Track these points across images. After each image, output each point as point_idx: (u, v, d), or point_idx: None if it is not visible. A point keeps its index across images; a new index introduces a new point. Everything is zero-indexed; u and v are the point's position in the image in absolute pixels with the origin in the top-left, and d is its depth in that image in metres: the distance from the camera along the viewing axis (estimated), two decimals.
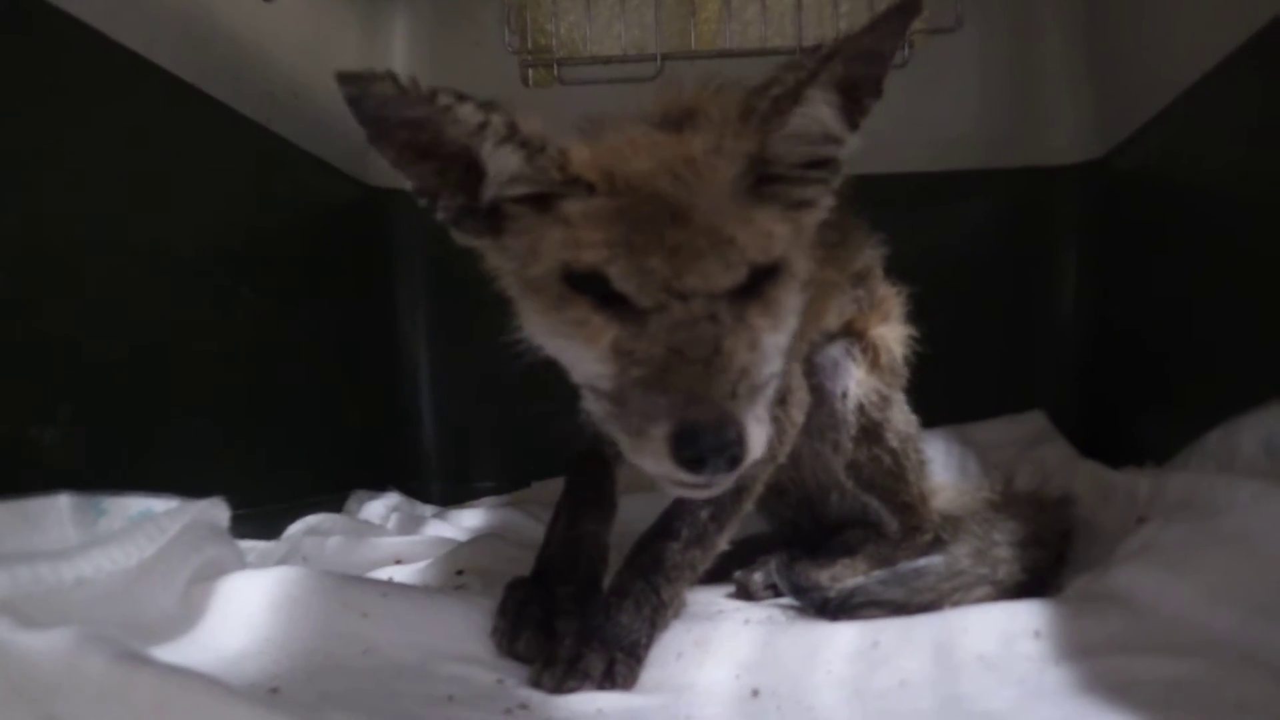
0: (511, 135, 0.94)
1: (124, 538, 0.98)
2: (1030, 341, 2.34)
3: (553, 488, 2.10)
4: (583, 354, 0.96)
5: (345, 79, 0.90)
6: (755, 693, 0.98)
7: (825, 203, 1.05)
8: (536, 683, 0.98)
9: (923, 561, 1.28)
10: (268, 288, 1.83)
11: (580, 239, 0.94)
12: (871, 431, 1.42)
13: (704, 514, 1.18)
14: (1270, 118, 1.42)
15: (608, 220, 0.94)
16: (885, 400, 1.43)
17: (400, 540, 1.69)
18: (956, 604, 1.21)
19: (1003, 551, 1.31)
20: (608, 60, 2.37)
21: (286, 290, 1.92)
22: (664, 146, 0.98)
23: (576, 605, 1.11)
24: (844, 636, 1.08)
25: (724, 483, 0.90)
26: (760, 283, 0.96)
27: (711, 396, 0.86)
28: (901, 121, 2.33)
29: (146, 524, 1.02)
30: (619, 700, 0.96)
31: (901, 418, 1.46)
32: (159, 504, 1.14)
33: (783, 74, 0.97)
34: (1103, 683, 0.89)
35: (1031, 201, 2.34)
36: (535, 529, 1.79)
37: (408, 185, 1.00)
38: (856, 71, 0.97)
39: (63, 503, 1.07)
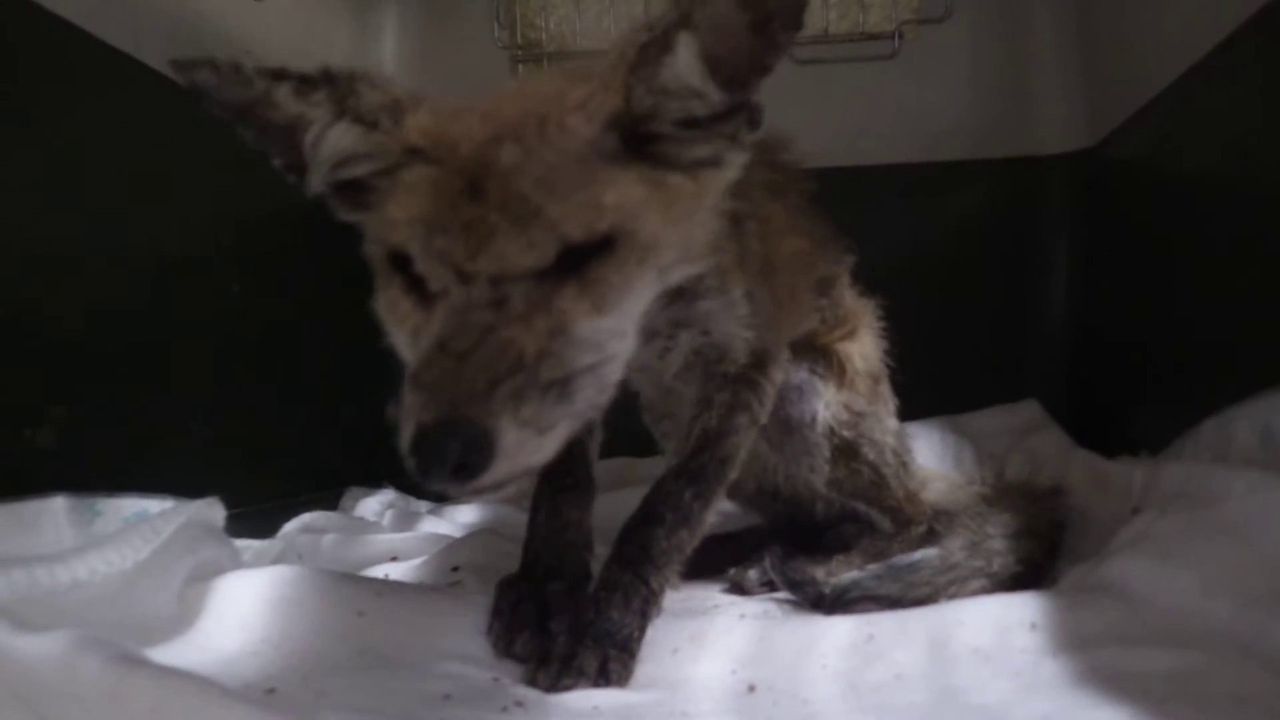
0: (342, 112, 0.91)
1: (119, 540, 0.98)
2: (1022, 331, 2.34)
3: None
4: (397, 340, 0.91)
5: (178, 67, 0.91)
6: (751, 688, 0.98)
7: (735, 160, 0.95)
8: (532, 681, 0.98)
9: (917, 555, 1.28)
10: (262, 286, 1.82)
11: (394, 216, 0.88)
12: (846, 450, 1.40)
13: (687, 494, 1.13)
14: (1262, 105, 1.42)
15: (420, 194, 0.87)
16: (858, 416, 1.40)
17: (395, 537, 1.68)
18: (952, 597, 1.21)
19: (997, 544, 1.30)
20: (598, 55, 2.36)
21: (281, 288, 1.91)
22: (522, 105, 0.90)
23: (568, 602, 1.08)
24: (839, 630, 1.08)
25: (466, 490, 0.79)
26: (584, 261, 0.85)
27: (453, 396, 0.76)
28: (891, 112, 2.34)
29: (141, 525, 1.02)
30: (615, 697, 0.96)
31: (878, 428, 1.42)
32: (154, 504, 1.14)
33: (655, 21, 0.89)
34: (1099, 675, 0.89)
35: (1022, 191, 2.34)
36: None
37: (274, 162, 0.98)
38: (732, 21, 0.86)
39: (58, 505, 1.07)
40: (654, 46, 0.88)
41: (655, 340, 1.12)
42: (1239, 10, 1.44)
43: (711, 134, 0.92)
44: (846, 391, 1.40)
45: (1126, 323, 2.00)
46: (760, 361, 1.20)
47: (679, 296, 1.04)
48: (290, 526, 1.69)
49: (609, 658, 1.00)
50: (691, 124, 0.91)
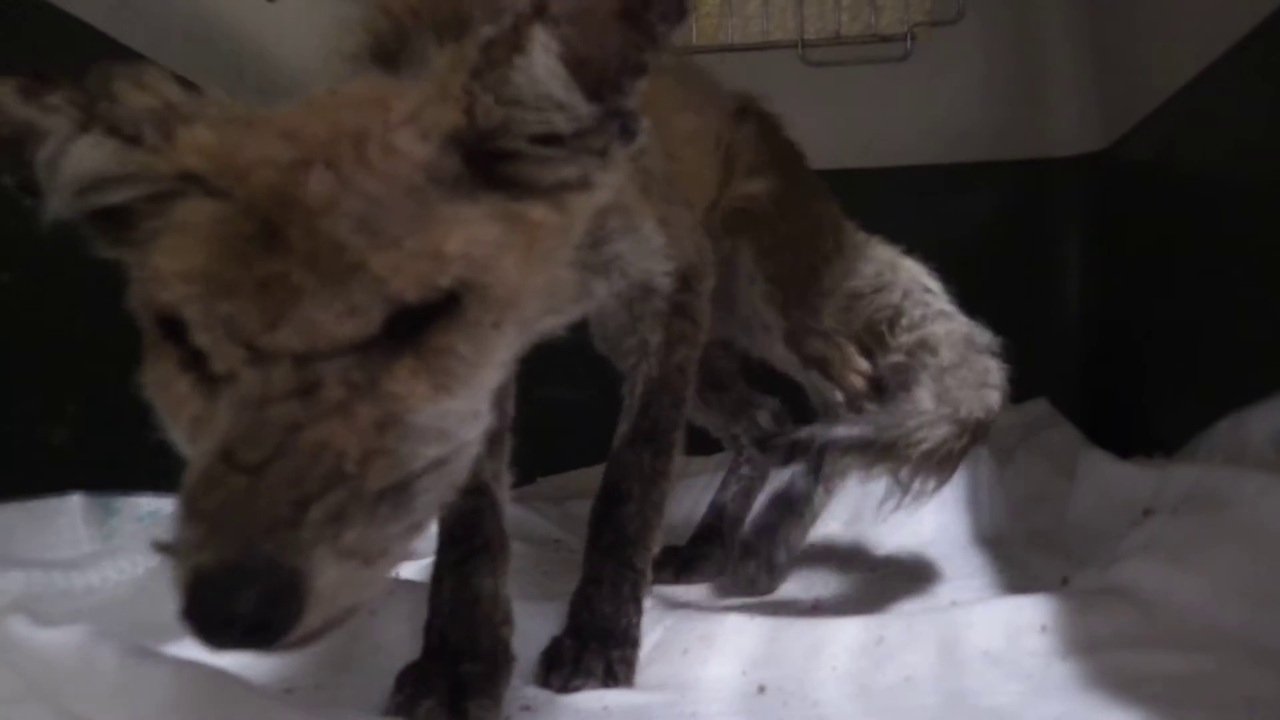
0: (90, 121, 0.68)
1: (130, 548, 0.99)
2: (1035, 332, 2.33)
3: (558, 482, 2.12)
4: (174, 434, 0.67)
5: None
6: (761, 688, 0.98)
7: (606, 180, 0.76)
8: (545, 683, 0.98)
9: (889, 406, 1.32)
10: None
11: (162, 267, 0.65)
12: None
13: (647, 459, 1.06)
14: (1276, 107, 1.42)
15: (197, 239, 0.64)
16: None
17: None
18: (921, 442, 1.24)
19: (961, 393, 1.34)
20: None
21: None
22: (335, 118, 0.69)
23: (488, 685, 0.90)
24: (849, 632, 1.08)
25: (267, 653, 0.59)
26: (421, 326, 0.64)
27: (245, 527, 0.55)
28: (903, 114, 2.34)
29: (153, 529, 1.02)
30: (625, 697, 0.96)
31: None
32: (168, 504, 1.15)
33: (503, 16, 0.69)
34: (1109, 678, 0.89)
35: (1035, 193, 2.33)
36: (540, 525, 1.79)
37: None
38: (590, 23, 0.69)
39: (74, 503, 1.08)
40: (501, 45, 0.69)
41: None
42: (1251, 14, 1.44)
43: (577, 150, 0.72)
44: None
45: (1139, 324, 2.00)
46: (687, 281, 1.11)
47: (583, 246, 0.84)
48: None
49: (612, 660, 0.98)
50: (552, 140, 0.71)
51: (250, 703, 0.71)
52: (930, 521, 1.65)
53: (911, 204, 2.31)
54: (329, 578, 0.57)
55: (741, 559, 1.41)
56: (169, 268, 0.64)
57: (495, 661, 0.92)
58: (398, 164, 0.66)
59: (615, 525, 1.06)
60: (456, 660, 0.91)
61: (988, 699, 0.92)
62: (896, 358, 1.49)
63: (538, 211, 0.71)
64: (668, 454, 1.09)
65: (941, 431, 1.27)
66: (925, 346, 1.47)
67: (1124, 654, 0.94)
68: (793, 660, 1.04)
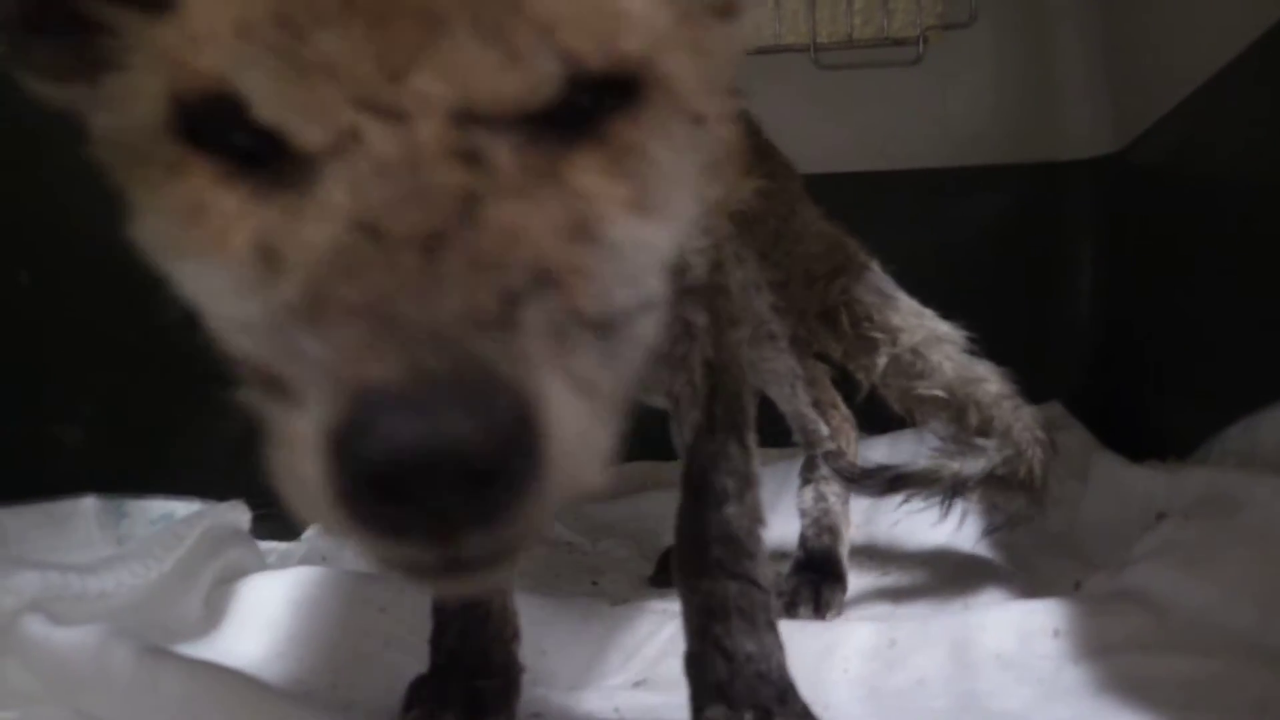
0: None
1: (143, 552, 0.99)
2: (1047, 335, 2.33)
3: None
4: (207, 277, 0.46)
5: None
6: None
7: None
8: None
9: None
10: None
11: (196, 32, 0.42)
12: None
13: (733, 448, 0.85)
14: None
15: None
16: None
17: None
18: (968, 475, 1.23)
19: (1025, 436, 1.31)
20: None
21: None
22: None
23: (504, 703, 0.88)
24: (860, 635, 1.08)
25: (490, 568, 0.40)
26: (603, 111, 0.44)
27: (435, 321, 0.35)
28: (915, 117, 2.33)
29: (165, 534, 1.03)
30: (637, 699, 0.96)
31: None
32: (180, 506, 1.16)
33: None
34: (1121, 682, 0.89)
35: (1047, 196, 2.32)
36: (552, 527, 1.79)
37: None
38: None
39: (87, 505, 1.09)
40: None
41: None
42: (1265, 15, 1.43)
43: None
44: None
45: (1152, 327, 1.99)
46: (719, 265, 0.95)
47: None
48: (314, 528, 1.71)
49: (773, 714, 0.77)
50: None
51: (267, 703, 0.72)
52: (943, 525, 1.65)
53: (924, 207, 2.30)
54: (570, 412, 0.36)
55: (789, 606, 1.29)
56: (215, 24, 0.41)
57: (508, 677, 0.90)
58: None
59: (724, 535, 0.82)
60: (470, 676, 0.88)
61: (999, 702, 0.91)
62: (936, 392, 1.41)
63: (701, 10, 0.50)
64: (749, 447, 0.89)
65: (1039, 454, 1.23)
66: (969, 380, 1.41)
67: (1136, 658, 0.93)
68: (804, 662, 1.04)
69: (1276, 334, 1.43)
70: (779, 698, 0.77)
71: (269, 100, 0.41)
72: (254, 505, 1.19)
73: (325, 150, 0.40)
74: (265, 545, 1.40)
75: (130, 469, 1.33)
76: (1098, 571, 1.26)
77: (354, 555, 1.56)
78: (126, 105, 0.47)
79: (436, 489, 0.33)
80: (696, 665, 0.80)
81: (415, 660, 0.98)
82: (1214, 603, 0.99)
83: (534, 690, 0.97)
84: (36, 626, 0.76)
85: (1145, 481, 1.45)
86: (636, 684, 1.04)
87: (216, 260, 0.44)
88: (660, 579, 1.45)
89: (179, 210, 0.46)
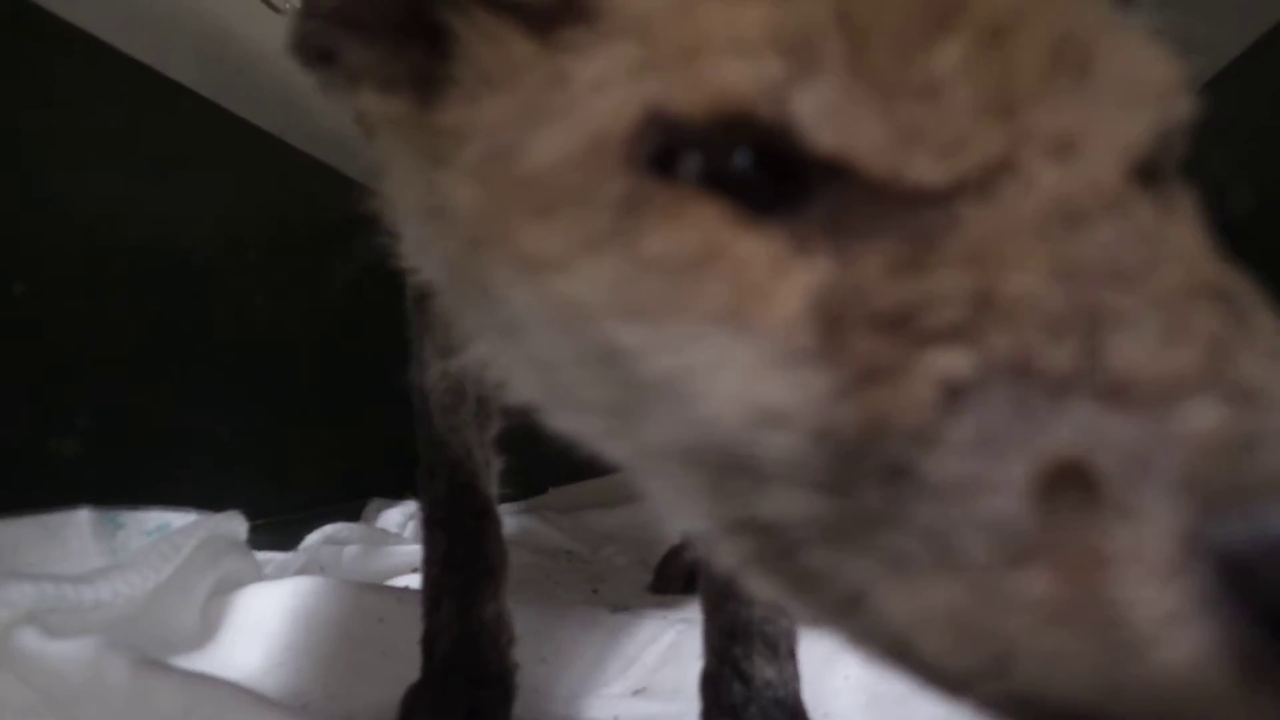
0: None
1: (140, 563, 0.99)
2: None
3: (571, 494, 2.11)
4: (721, 348, 0.32)
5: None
6: None
7: None
8: None
9: None
10: (285, 297, 1.83)
11: (691, 42, 0.32)
12: None
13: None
14: None
15: None
16: None
17: (418, 548, 1.69)
18: None
19: None
20: None
21: (303, 299, 1.92)
22: None
23: (500, 708, 0.88)
24: None
25: None
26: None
27: (1217, 347, 0.29)
28: None
29: (161, 544, 1.03)
30: (637, 706, 0.96)
31: None
32: (176, 517, 1.15)
33: None
34: None
35: None
36: (552, 536, 1.79)
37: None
38: None
39: (82, 517, 1.08)
40: None
41: None
42: (1263, 19, 1.44)
43: None
44: None
45: None
46: None
47: None
48: (312, 538, 1.70)
49: None
50: None
51: (265, 715, 0.71)
52: None
53: None
54: None
55: None
56: (743, 22, 0.32)
57: (505, 685, 0.91)
58: None
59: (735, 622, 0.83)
60: (467, 684, 0.89)
61: None
62: None
63: None
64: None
65: None
66: None
67: None
68: (806, 670, 1.03)
69: None
70: None
71: (839, 125, 0.32)
72: (250, 515, 1.18)
73: (947, 190, 0.32)
74: (262, 556, 1.39)
75: (125, 480, 1.32)
76: None
77: (354, 564, 1.55)
78: (520, 129, 0.38)
79: None
80: (712, 684, 0.81)
81: (413, 671, 0.98)
82: None
83: (533, 698, 0.96)
84: (31, 639, 0.75)
85: None
86: (636, 692, 1.03)
87: (744, 326, 0.33)
88: (660, 586, 1.44)
89: (686, 252, 0.34)
